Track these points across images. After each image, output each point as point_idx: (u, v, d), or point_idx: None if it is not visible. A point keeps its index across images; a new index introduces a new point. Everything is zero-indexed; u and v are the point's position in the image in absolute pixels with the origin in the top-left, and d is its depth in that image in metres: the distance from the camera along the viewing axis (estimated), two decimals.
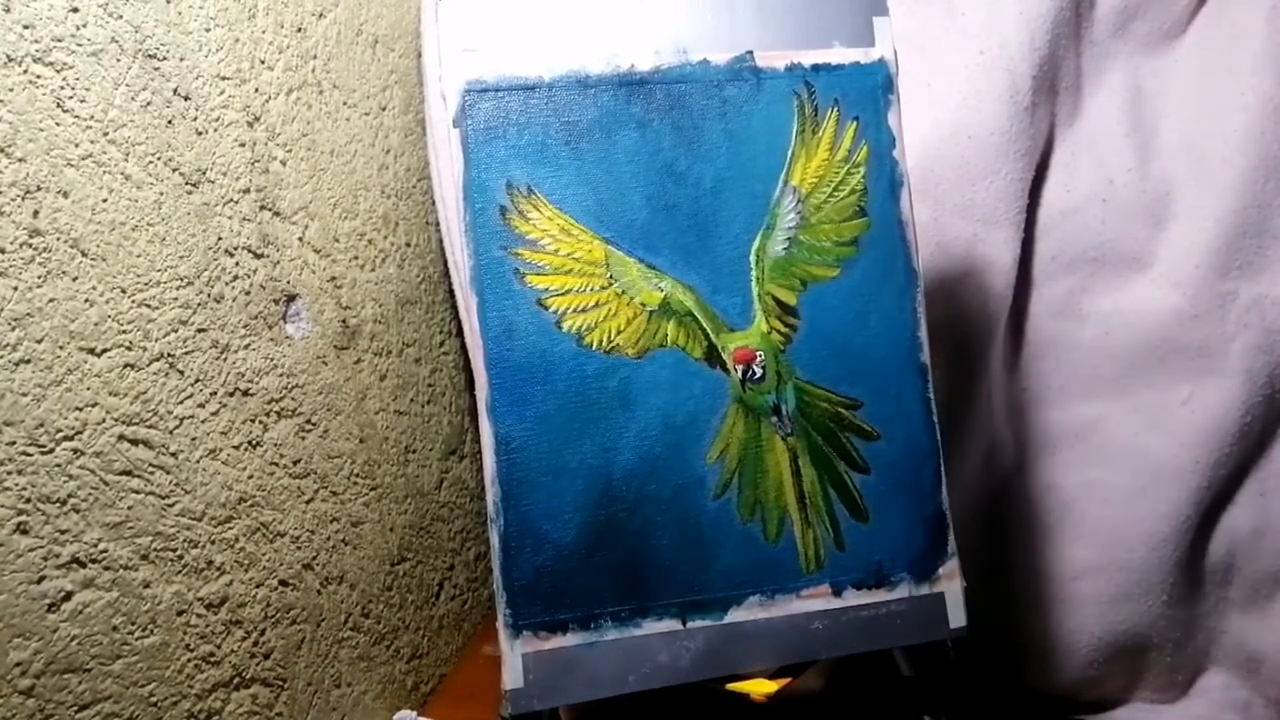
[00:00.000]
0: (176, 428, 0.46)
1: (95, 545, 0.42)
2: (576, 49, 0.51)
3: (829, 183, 0.52)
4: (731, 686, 0.63)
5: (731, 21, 0.52)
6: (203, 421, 0.48)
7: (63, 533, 0.40)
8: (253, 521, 0.51)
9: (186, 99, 0.48)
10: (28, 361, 0.39)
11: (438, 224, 0.75)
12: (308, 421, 0.57)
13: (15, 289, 0.39)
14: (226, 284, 0.50)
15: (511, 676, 0.47)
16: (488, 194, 0.49)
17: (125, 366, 0.44)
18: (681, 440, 0.50)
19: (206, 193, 0.49)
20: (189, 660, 0.46)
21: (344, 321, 0.61)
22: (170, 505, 0.46)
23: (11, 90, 0.39)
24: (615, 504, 0.49)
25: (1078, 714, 0.69)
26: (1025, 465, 0.71)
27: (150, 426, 0.45)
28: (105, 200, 0.43)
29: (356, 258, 0.64)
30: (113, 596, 0.42)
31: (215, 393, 0.49)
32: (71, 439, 0.41)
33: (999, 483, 0.71)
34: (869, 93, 0.53)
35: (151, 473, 0.45)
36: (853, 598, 0.50)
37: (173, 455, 0.46)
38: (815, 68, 0.52)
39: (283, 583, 0.54)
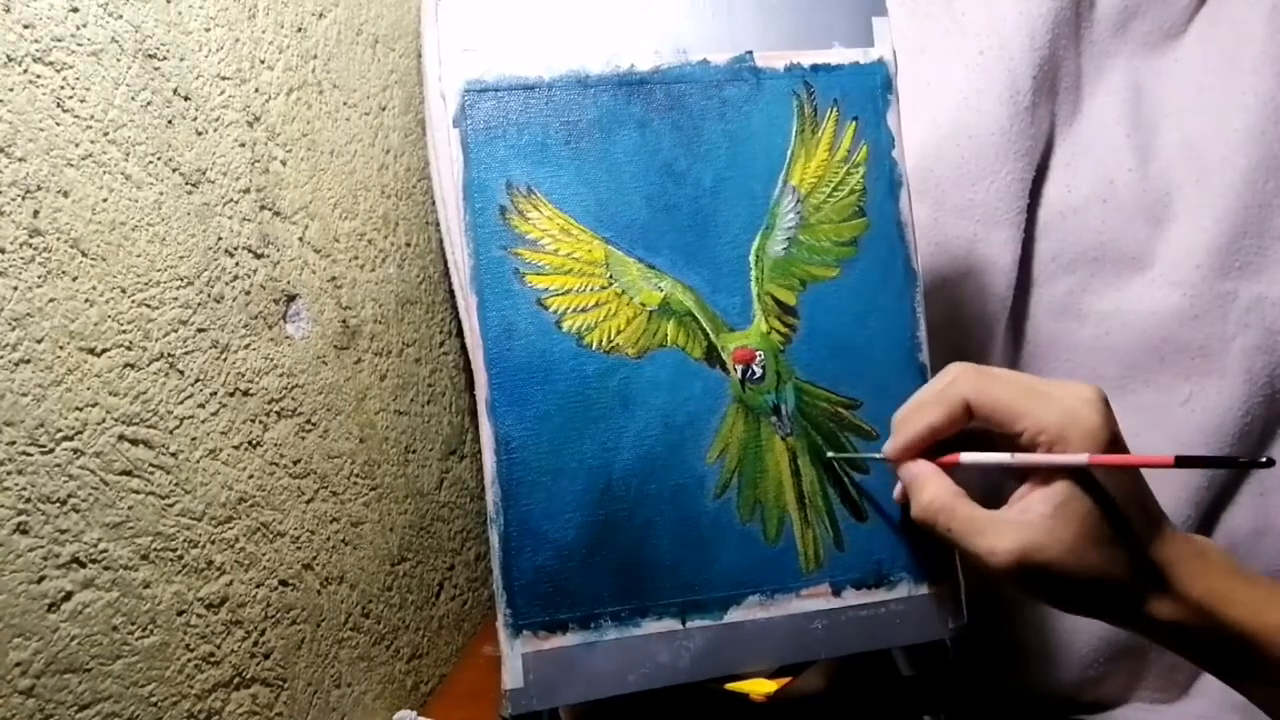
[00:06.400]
0: (176, 428, 0.46)
1: (95, 545, 0.42)
2: (576, 49, 0.51)
3: (828, 183, 0.52)
4: (731, 686, 0.63)
5: (731, 21, 0.52)
6: (203, 421, 0.48)
7: (63, 533, 0.40)
8: (253, 521, 0.51)
9: (186, 99, 0.48)
10: (28, 361, 0.39)
11: (438, 224, 0.75)
12: (308, 421, 0.57)
13: (15, 289, 0.39)
14: (226, 284, 0.50)
15: (511, 676, 0.47)
16: (487, 194, 0.49)
17: (125, 366, 0.44)
18: (681, 440, 0.50)
19: (206, 193, 0.49)
20: (189, 660, 0.46)
21: (344, 321, 0.61)
22: (170, 505, 0.46)
23: (11, 90, 0.39)
24: (615, 504, 0.49)
25: (1078, 714, 0.69)
26: None
27: (150, 426, 0.45)
28: (105, 200, 0.43)
29: (356, 258, 0.64)
30: (113, 596, 0.42)
31: (215, 393, 0.49)
32: (71, 439, 0.41)
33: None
34: (868, 93, 0.53)
35: (151, 473, 0.45)
36: (852, 597, 0.50)
37: (173, 455, 0.46)
38: (815, 68, 0.52)
39: (283, 583, 0.54)
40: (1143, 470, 0.43)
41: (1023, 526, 0.41)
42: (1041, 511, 0.41)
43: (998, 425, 0.44)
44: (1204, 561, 0.42)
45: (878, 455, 0.49)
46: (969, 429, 0.46)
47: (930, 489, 0.45)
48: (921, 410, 0.46)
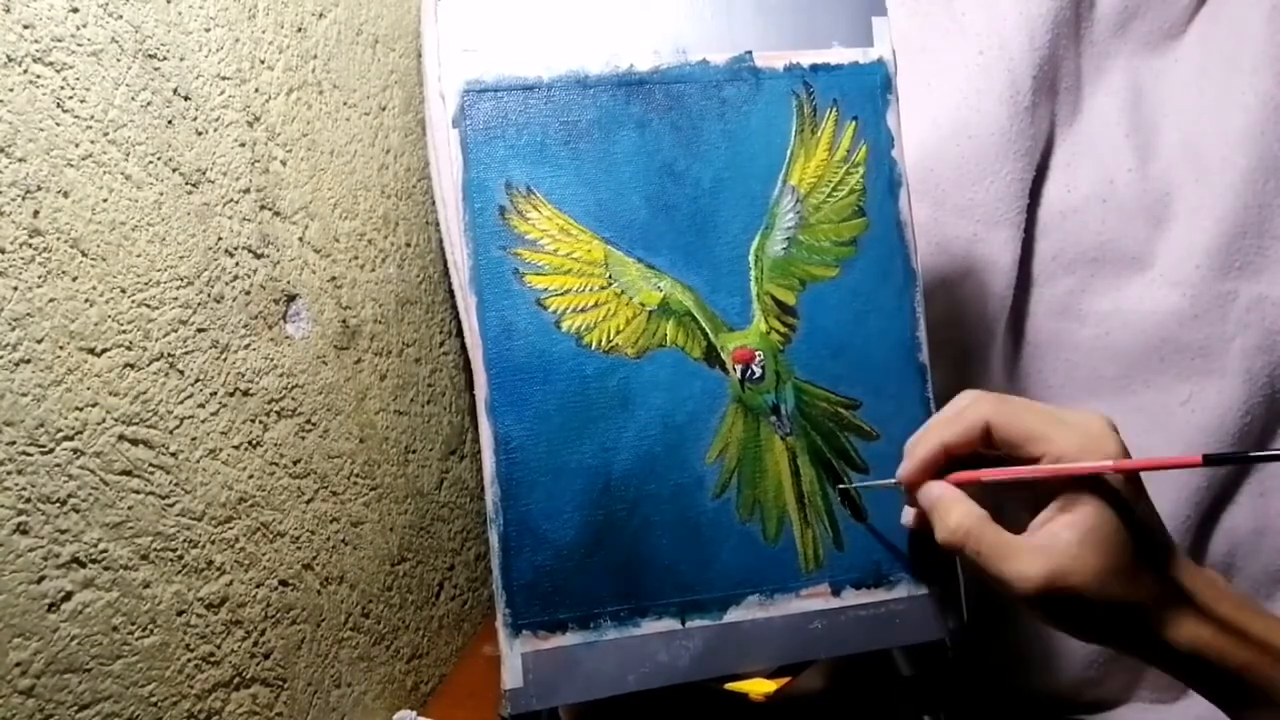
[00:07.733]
0: (176, 428, 0.46)
1: (95, 545, 0.42)
2: (576, 49, 0.51)
3: (828, 183, 0.52)
4: (731, 686, 0.63)
5: (730, 21, 0.52)
6: (203, 421, 0.48)
7: (63, 533, 0.40)
8: (253, 521, 0.51)
9: (186, 99, 0.48)
10: (28, 361, 0.39)
11: (438, 224, 0.75)
12: (308, 421, 0.57)
13: (15, 289, 0.39)
14: (226, 284, 0.50)
15: (511, 676, 0.47)
16: (487, 194, 0.49)
17: (125, 366, 0.44)
18: (680, 440, 0.50)
19: (206, 193, 0.49)
20: (189, 660, 0.46)
21: (344, 321, 0.61)
22: (170, 505, 0.46)
23: (11, 90, 0.39)
24: (614, 503, 0.49)
25: (1077, 714, 0.69)
26: None
27: (150, 426, 0.45)
28: (105, 200, 0.43)
29: (356, 258, 0.64)
30: (113, 596, 0.42)
31: (215, 393, 0.49)
32: (71, 439, 0.41)
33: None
34: (868, 93, 0.53)
35: (151, 473, 0.45)
36: (852, 597, 0.50)
37: (173, 455, 0.46)
38: (814, 68, 0.52)
39: (283, 583, 0.54)
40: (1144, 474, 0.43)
41: (1050, 553, 0.41)
42: (1068, 539, 0.41)
43: (1016, 447, 0.44)
44: (1219, 590, 0.43)
45: (892, 482, 0.48)
46: (976, 454, 0.46)
47: (957, 512, 0.44)
48: (935, 429, 0.46)
